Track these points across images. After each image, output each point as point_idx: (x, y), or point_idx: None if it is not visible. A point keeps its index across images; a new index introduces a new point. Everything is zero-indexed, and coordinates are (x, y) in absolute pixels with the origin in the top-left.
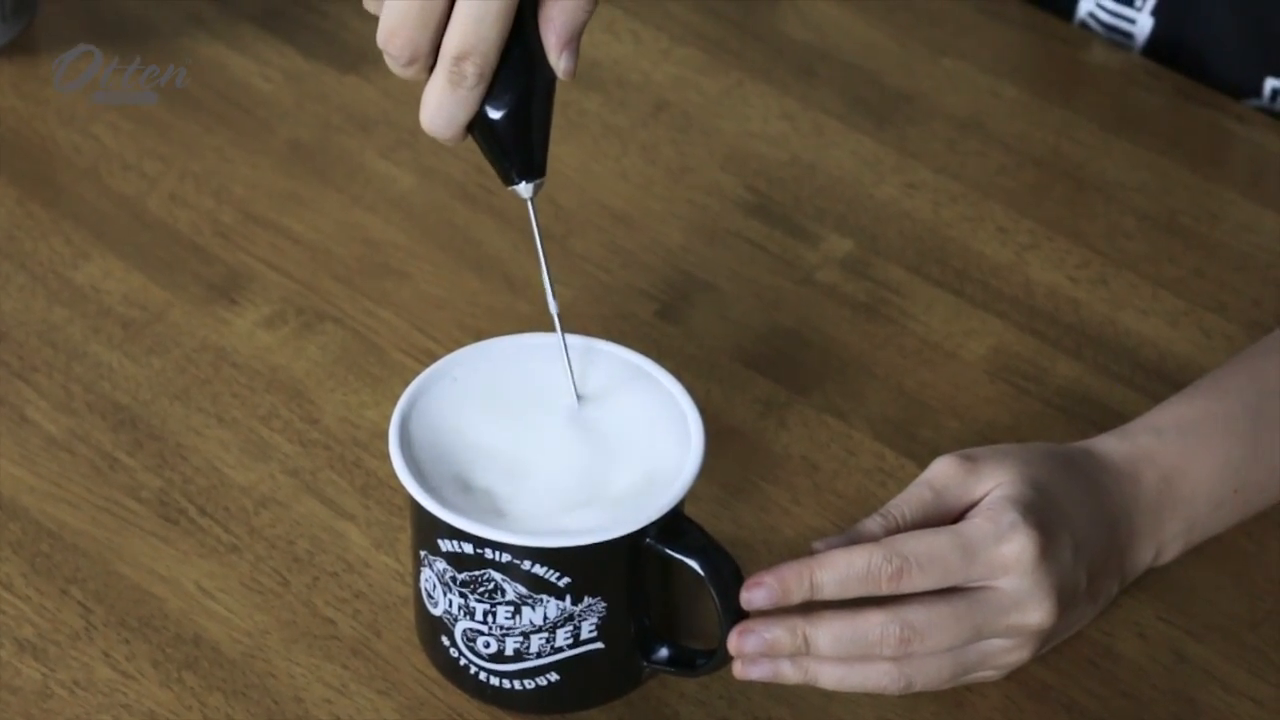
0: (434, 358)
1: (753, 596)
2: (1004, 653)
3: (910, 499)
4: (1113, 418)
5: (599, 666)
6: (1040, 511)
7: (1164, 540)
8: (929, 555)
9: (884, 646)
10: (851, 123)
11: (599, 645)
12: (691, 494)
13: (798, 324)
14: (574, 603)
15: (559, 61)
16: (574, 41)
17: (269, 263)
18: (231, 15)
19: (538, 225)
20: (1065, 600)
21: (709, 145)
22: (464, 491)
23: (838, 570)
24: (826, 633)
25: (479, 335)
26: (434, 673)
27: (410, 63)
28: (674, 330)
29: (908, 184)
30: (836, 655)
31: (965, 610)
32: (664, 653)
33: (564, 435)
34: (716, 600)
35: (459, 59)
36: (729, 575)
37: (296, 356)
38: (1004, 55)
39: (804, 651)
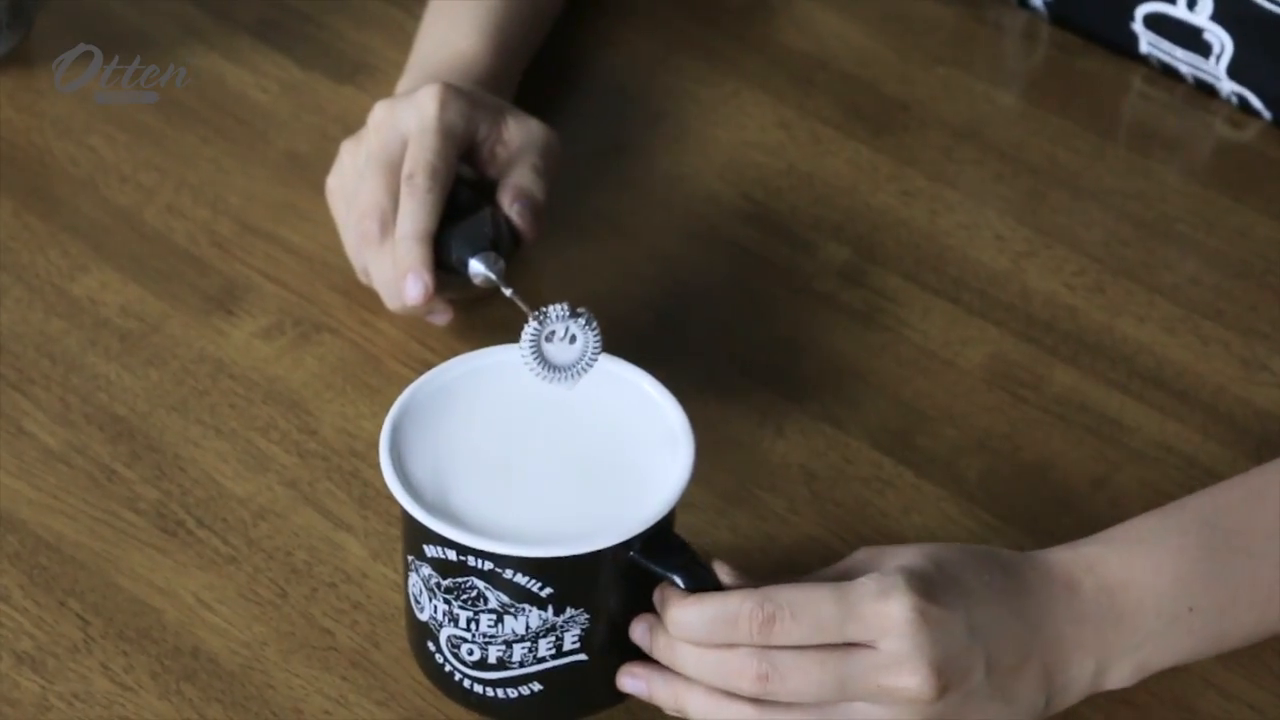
0: (431, 368)
1: (655, 593)
2: None
3: (817, 576)
4: (1108, 424)
5: (583, 678)
6: (931, 582)
7: (1108, 656)
8: (803, 605)
9: (743, 679)
10: (848, 131)
11: (582, 657)
12: (687, 503)
13: (795, 332)
14: (556, 613)
15: (512, 209)
16: (524, 196)
17: (266, 274)
18: (228, 26)
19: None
20: (950, 678)
21: (705, 154)
22: (452, 499)
23: (706, 610)
24: (690, 651)
25: (476, 346)
26: (430, 683)
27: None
28: (671, 339)
29: (904, 192)
30: (698, 677)
31: (834, 662)
32: None
33: (553, 445)
34: None
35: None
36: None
37: (294, 367)
38: (1000, 64)
39: (670, 661)
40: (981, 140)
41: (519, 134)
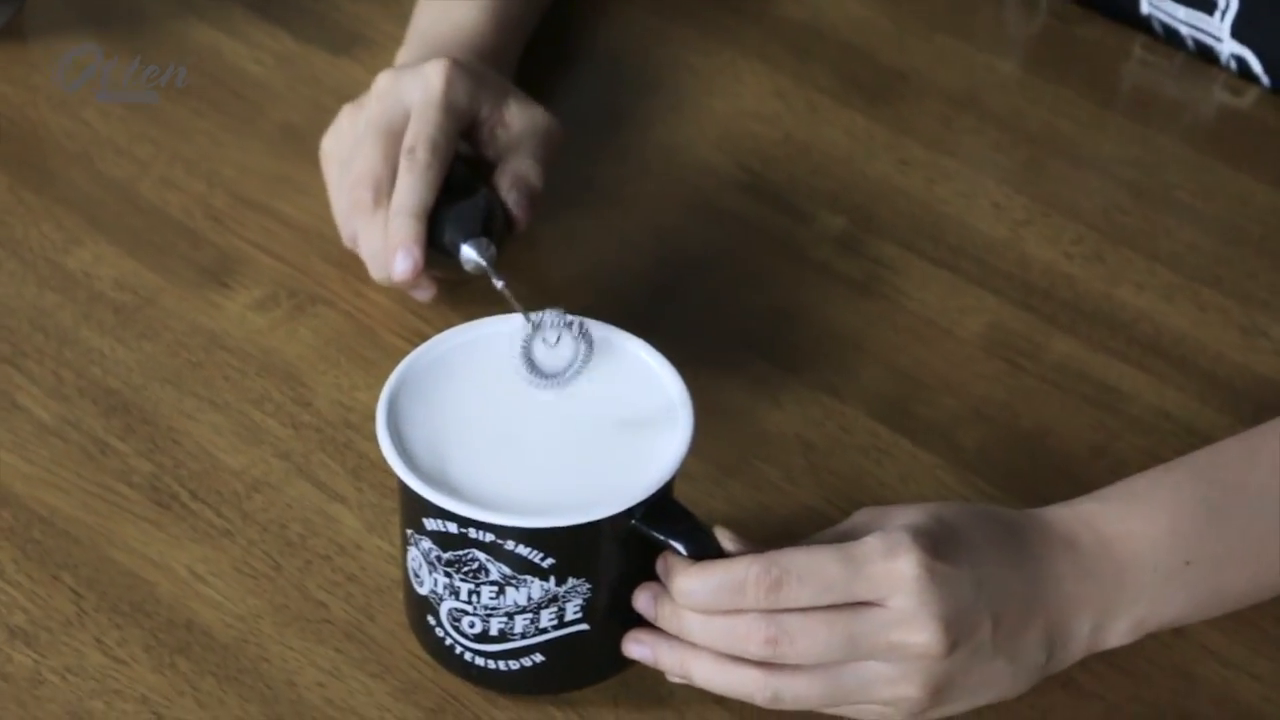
0: (426, 339)
1: (659, 563)
2: (888, 683)
3: (820, 537)
4: (1107, 392)
5: (585, 648)
6: (937, 539)
7: (1106, 611)
8: (809, 567)
9: (750, 643)
10: (845, 100)
11: (584, 627)
12: (685, 473)
13: (791, 302)
14: (558, 584)
15: (509, 195)
16: (522, 184)
17: (261, 246)
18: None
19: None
20: (959, 634)
21: (702, 124)
22: (451, 471)
23: (710, 578)
24: (698, 617)
25: (471, 316)
26: (427, 656)
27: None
28: (667, 310)
29: (901, 161)
30: (706, 644)
31: (842, 622)
32: None
33: (553, 416)
34: None
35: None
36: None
37: (288, 339)
38: (998, 32)
39: (677, 629)
40: (979, 109)
41: (521, 118)
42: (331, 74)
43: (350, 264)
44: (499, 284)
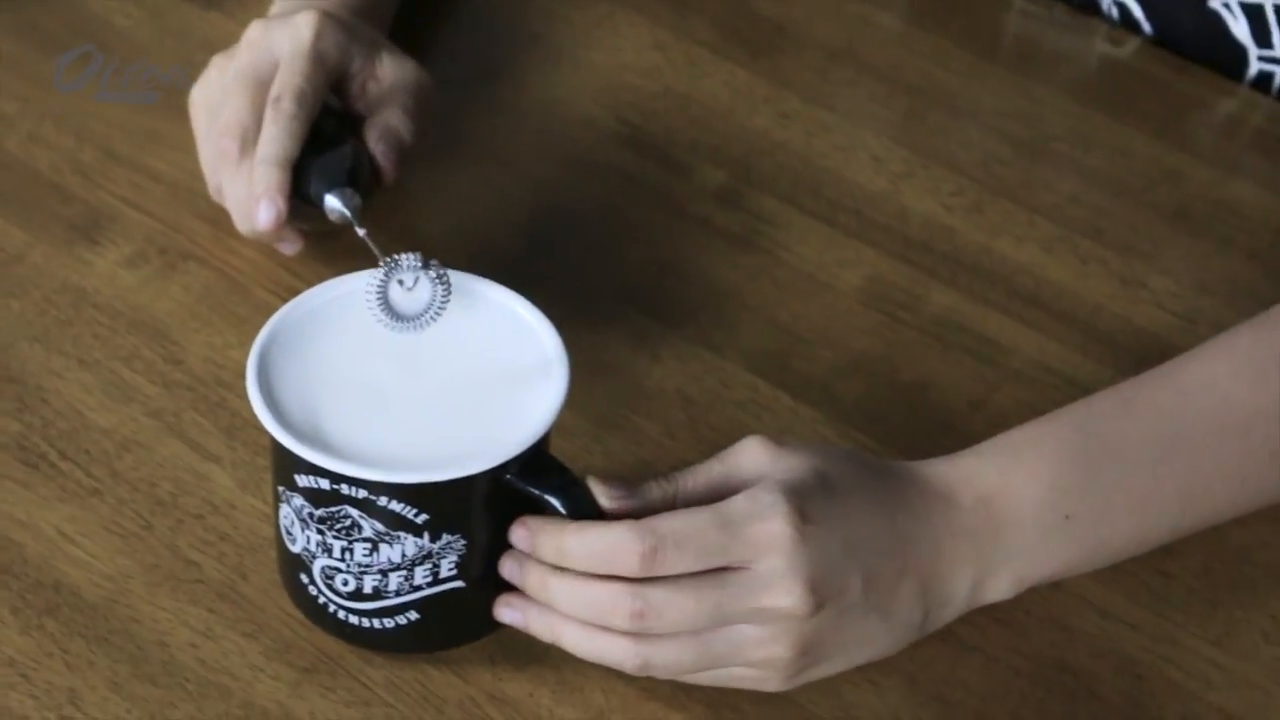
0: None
1: (513, 530)
2: (757, 644)
3: (700, 471)
4: (987, 345)
5: (461, 605)
6: (809, 500)
7: (986, 568)
8: (685, 532)
9: (616, 617)
10: (724, 53)
11: (460, 584)
12: (563, 429)
13: (671, 257)
14: (432, 540)
15: (377, 147)
16: (390, 136)
17: (131, 202)
18: None
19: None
20: (825, 593)
21: (580, 78)
22: (323, 427)
23: (587, 540)
24: (565, 586)
25: (343, 271)
26: (301, 615)
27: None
28: (545, 264)
29: (781, 114)
30: (572, 614)
31: (709, 590)
32: None
33: (426, 370)
34: None
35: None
36: (591, 514)
37: (159, 296)
38: None
39: (543, 595)
40: (858, 61)
41: (393, 72)
42: (201, 27)
43: (221, 220)
44: (361, 232)
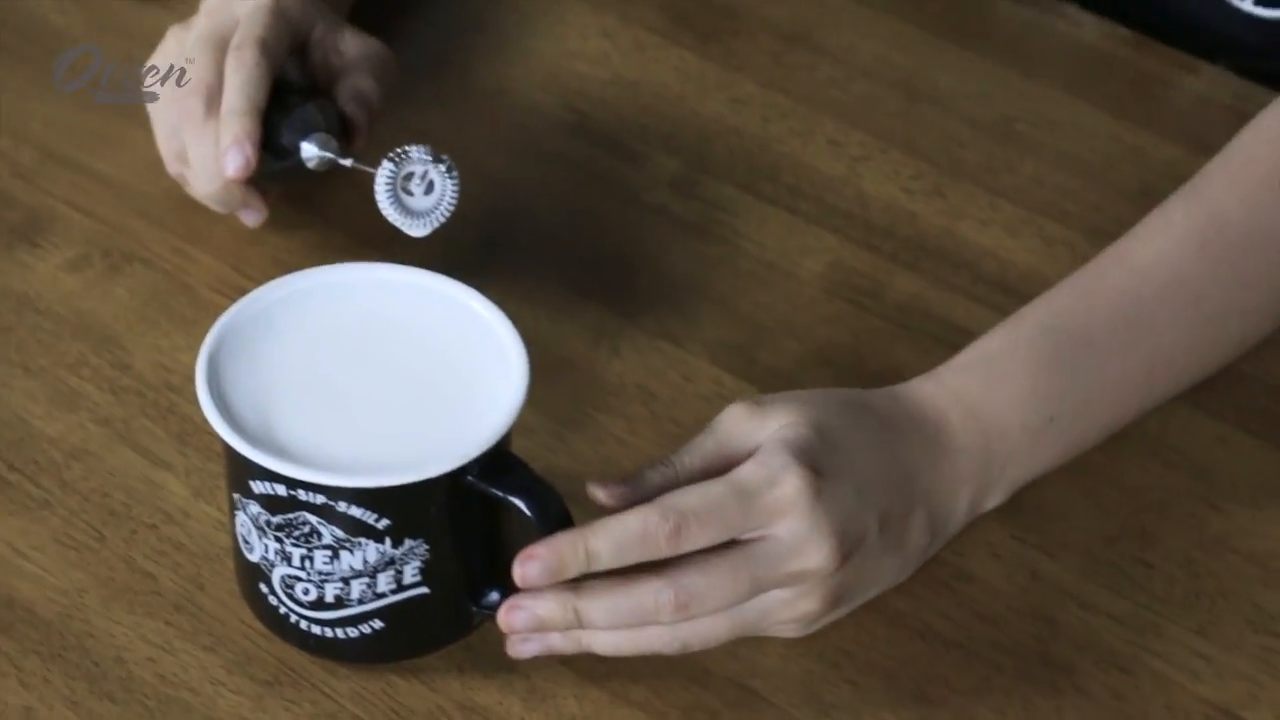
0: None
1: (526, 572)
2: (788, 605)
3: (693, 448)
4: (954, 331)
5: (426, 612)
6: (815, 453)
7: (983, 482)
8: (705, 508)
9: (660, 613)
10: (674, 38)
11: (424, 590)
12: (523, 428)
13: (627, 247)
14: (394, 545)
15: (349, 105)
16: (362, 98)
17: (72, 203)
18: None
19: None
20: (850, 544)
21: (527, 66)
22: (277, 431)
23: (612, 536)
24: (600, 605)
25: (295, 269)
26: (262, 626)
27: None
28: (498, 258)
29: (734, 99)
30: (612, 626)
31: (742, 564)
32: (494, 597)
33: (381, 370)
34: None
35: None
36: (555, 514)
37: (104, 300)
38: None
39: (576, 625)
40: (812, 43)
41: (355, 46)
42: (139, 22)
43: (168, 220)
44: (347, 162)
